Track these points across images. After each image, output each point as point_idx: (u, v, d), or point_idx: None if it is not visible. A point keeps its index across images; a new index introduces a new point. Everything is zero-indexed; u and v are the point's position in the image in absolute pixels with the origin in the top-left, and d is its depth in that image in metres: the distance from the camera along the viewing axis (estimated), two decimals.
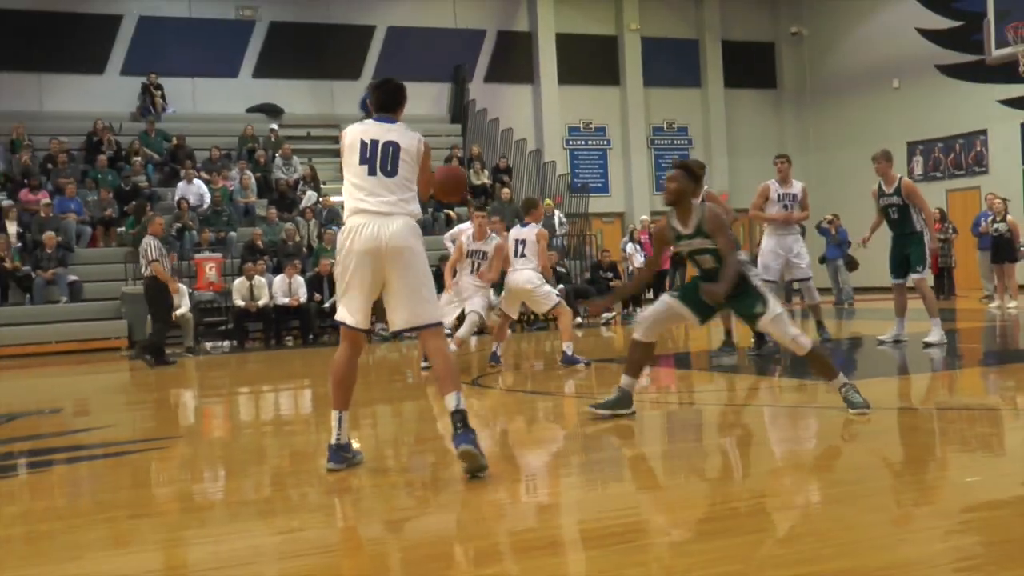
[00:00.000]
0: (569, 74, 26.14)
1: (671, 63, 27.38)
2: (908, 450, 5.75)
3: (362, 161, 5.21)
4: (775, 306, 6.35)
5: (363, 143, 5.24)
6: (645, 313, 6.66)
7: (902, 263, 10.44)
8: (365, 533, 4.35)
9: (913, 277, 10.35)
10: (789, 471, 5.26)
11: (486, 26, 25.92)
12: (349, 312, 5.24)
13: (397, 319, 5.25)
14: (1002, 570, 3.41)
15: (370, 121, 5.41)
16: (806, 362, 6.51)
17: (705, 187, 10.12)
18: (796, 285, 11.87)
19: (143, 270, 13.26)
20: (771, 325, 6.33)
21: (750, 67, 28.37)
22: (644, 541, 4.03)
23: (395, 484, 5.18)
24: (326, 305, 16.88)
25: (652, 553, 3.84)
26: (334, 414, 5.30)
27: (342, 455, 5.31)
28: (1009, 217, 17.60)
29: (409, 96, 5.57)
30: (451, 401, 5.08)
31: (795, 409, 7.37)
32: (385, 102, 5.45)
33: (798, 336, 6.33)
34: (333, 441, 5.29)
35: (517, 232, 10.32)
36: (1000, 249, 17.28)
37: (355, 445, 5.52)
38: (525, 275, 10.10)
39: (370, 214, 5.13)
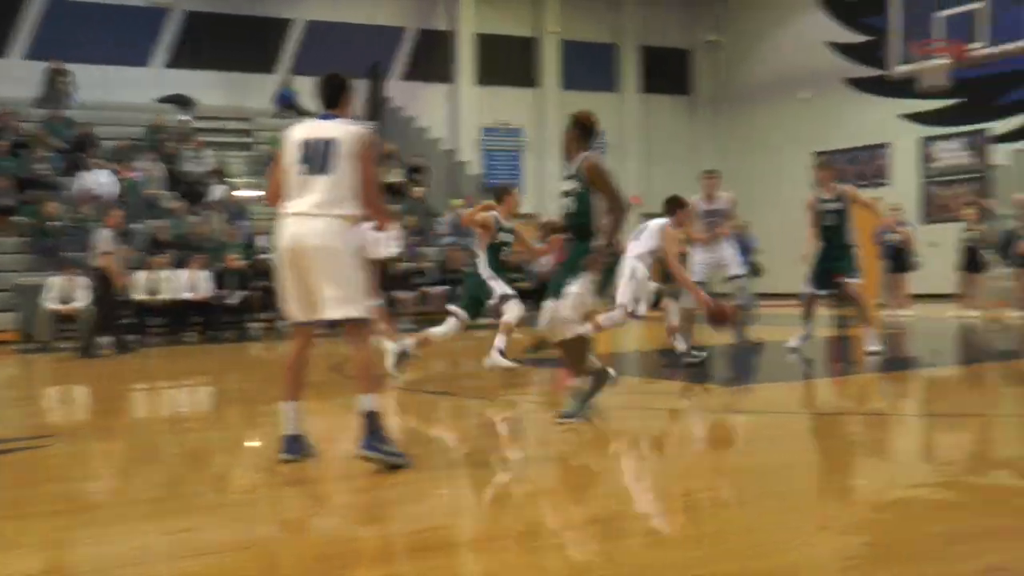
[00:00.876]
0: (487, 74, 26.13)
1: (589, 67, 27.54)
2: (801, 455, 5.86)
3: (301, 160, 5.20)
4: (584, 289, 6.39)
5: (302, 142, 5.24)
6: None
7: (829, 275, 10.43)
8: (258, 533, 4.27)
9: (853, 283, 10.37)
10: (685, 475, 5.31)
11: (406, 23, 25.79)
12: (286, 308, 5.32)
13: (319, 311, 5.19)
14: (879, 570, 3.52)
15: (314, 119, 5.42)
16: (565, 348, 6.56)
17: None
18: (728, 287, 11.92)
19: (93, 261, 13.27)
20: (567, 299, 6.34)
21: (667, 73, 28.66)
22: (538, 543, 4.04)
23: (289, 483, 5.10)
24: (231, 301, 16.59)
25: (544, 555, 3.84)
26: (283, 404, 5.31)
27: (295, 445, 5.30)
28: (904, 228, 17.96)
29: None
30: (362, 403, 5.10)
31: (690, 413, 7.47)
32: (329, 97, 5.45)
33: (574, 325, 6.43)
34: (290, 431, 5.29)
35: None
36: (895, 259, 17.60)
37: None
38: None
39: (293, 215, 5.18)
